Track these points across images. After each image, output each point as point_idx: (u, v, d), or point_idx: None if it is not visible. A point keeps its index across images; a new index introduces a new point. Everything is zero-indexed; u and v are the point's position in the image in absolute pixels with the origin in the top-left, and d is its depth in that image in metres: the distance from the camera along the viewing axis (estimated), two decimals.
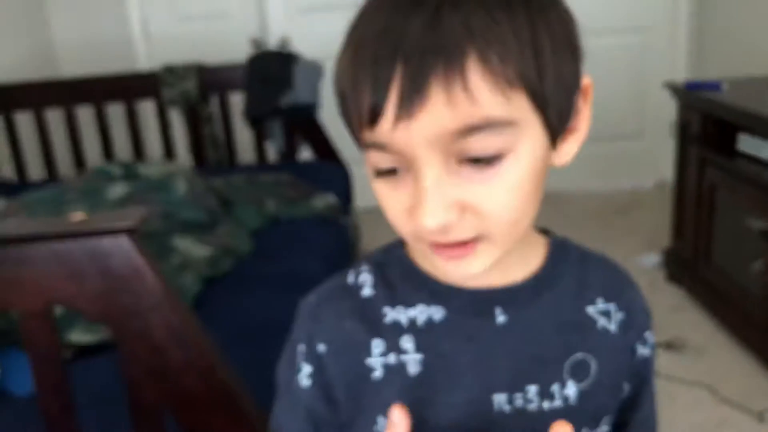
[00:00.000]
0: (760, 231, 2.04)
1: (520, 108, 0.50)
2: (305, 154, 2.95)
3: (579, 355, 0.62)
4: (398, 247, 0.65)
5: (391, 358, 0.61)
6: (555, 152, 0.56)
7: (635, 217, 3.48)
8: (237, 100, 2.86)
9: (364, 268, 0.66)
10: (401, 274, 0.64)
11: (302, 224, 2.18)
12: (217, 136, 2.85)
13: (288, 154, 2.86)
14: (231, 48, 3.05)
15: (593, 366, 0.63)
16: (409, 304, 0.62)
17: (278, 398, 0.68)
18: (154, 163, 2.41)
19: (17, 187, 2.58)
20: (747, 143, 2.20)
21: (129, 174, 2.16)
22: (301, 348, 0.64)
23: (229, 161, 2.91)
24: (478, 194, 0.51)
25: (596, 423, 0.64)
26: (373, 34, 0.50)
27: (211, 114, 2.83)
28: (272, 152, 2.98)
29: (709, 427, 1.89)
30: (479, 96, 0.47)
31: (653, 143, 3.84)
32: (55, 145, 2.93)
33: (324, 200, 2.29)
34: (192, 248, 1.83)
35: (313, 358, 0.63)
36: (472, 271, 0.55)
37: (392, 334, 0.62)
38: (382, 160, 0.52)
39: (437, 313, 0.61)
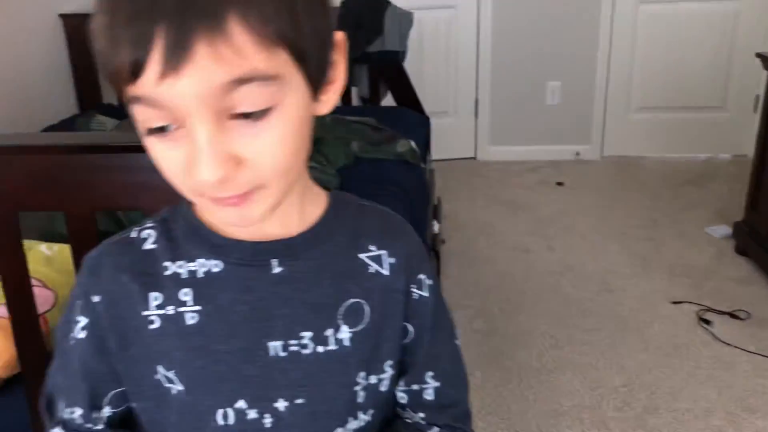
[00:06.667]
0: None
1: (283, 63, 0.52)
2: (387, 100, 3.02)
3: (352, 301, 0.66)
4: (184, 204, 0.66)
5: (170, 310, 0.63)
6: (317, 103, 0.58)
7: (709, 188, 3.47)
8: None
9: (149, 224, 0.68)
10: (185, 229, 0.66)
11: (384, 166, 2.26)
12: None
13: (371, 99, 2.94)
14: None
15: (366, 310, 0.66)
16: (190, 258, 0.64)
17: (54, 358, 0.69)
18: None
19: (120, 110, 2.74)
20: None
21: None
22: (79, 302, 0.66)
23: None
24: (250, 148, 0.53)
25: (376, 363, 0.68)
26: None
27: None
28: (356, 97, 3.07)
29: (766, 393, 1.94)
30: (244, 51, 0.49)
31: (735, 115, 3.78)
32: None
33: (406, 145, 2.37)
34: None
35: (89, 310, 0.65)
36: (251, 217, 0.57)
37: (171, 287, 0.64)
38: (153, 118, 0.53)
39: (216, 266, 0.64)
